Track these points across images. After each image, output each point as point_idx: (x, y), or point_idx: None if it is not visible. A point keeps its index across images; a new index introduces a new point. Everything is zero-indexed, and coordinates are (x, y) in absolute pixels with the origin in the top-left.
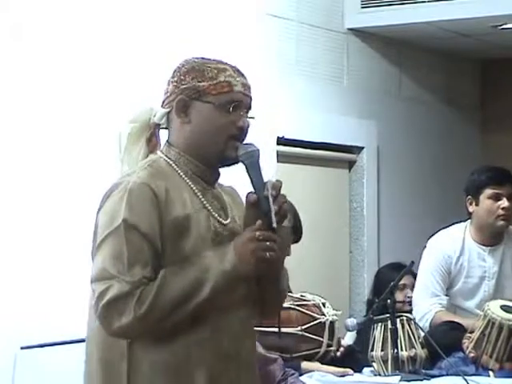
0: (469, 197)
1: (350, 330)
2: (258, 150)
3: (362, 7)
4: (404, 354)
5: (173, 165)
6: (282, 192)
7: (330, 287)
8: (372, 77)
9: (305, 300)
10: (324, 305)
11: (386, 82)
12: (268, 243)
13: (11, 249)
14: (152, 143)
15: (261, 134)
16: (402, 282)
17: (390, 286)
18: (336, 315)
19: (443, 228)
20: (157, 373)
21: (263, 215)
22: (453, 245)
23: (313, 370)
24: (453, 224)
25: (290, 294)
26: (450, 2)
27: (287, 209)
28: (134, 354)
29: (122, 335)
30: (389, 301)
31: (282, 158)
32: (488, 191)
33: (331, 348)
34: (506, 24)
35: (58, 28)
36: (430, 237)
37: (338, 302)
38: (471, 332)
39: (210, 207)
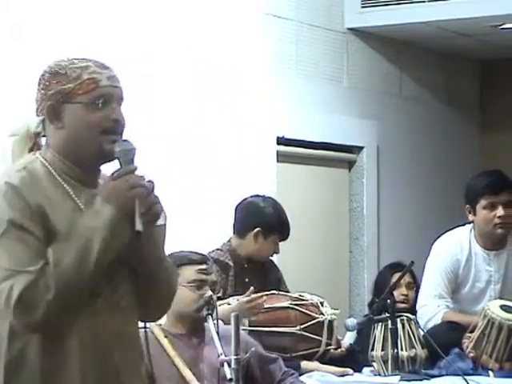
0: (467, 206)
1: (350, 330)
2: (135, 148)
3: (362, 7)
4: (404, 353)
5: (48, 166)
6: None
7: (330, 287)
8: (372, 77)
9: (303, 299)
10: (322, 304)
11: (385, 82)
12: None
13: None
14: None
15: (261, 133)
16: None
17: (389, 285)
18: (334, 314)
19: (444, 228)
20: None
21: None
22: (461, 248)
23: (312, 370)
24: (455, 225)
25: (288, 293)
26: (449, 2)
27: (160, 209)
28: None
29: (46, 324)
30: (389, 301)
31: (281, 157)
32: (483, 202)
33: (330, 347)
34: (505, 24)
35: (58, 28)
36: (432, 237)
37: (338, 302)
38: (471, 332)
39: (84, 207)
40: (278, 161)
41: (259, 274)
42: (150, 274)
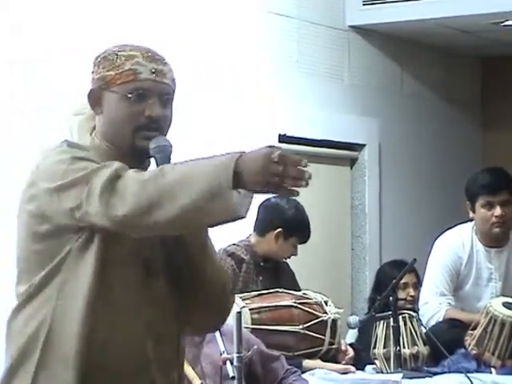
0: (468, 203)
1: (352, 328)
2: (171, 145)
3: (364, 4)
4: (406, 351)
5: (93, 151)
6: None
7: (332, 285)
8: (373, 74)
9: (307, 298)
10: (326, 303)
11: (387, 79)
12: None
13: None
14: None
15: (262, 131)
16: (403, 280)
17: (392, 283)
18: (338, 313)
19: (446, 226)
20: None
21: None
22: (463, 245)
23: (314, 368)
24: (457, 222)
25: (292, 292)
26: None
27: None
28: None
29: (128, 220)
30: (391, 298)
31: None
32: (481, 201)
33: (333, 346)
34: (506, 21)
35: (58, 28)
36: (434, 235)
37: (340, 300)
38: (473, 329)
39: None
40: None
41: (273, 274)
42: (197, 265)
